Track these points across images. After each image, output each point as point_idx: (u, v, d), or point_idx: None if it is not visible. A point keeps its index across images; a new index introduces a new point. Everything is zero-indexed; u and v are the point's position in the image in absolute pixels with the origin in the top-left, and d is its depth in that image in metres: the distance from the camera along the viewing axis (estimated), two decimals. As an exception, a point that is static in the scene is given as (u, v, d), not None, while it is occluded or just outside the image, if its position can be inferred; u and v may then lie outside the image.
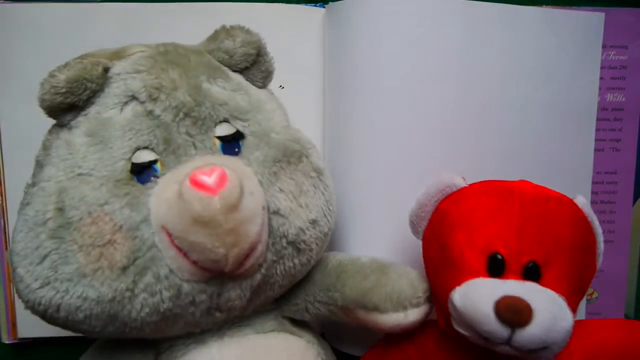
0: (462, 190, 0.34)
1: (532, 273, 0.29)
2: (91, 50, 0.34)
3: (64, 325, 0.30)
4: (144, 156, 0.31)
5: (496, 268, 0.30)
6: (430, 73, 0.43)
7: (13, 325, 0.46)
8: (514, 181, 0.33)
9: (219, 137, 0.32)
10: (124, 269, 0.29)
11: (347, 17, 0.44)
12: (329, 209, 0.35)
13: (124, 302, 0.29)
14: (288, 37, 0.46)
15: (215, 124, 0.33)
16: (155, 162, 0.31)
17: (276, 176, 0.32)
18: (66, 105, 0.31)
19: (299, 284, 0.36)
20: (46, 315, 0.30)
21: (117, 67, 0.32)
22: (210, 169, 0.28)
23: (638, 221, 0.49)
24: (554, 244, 0.30)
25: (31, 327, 0.46)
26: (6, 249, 0.46)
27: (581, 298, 0.32)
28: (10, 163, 0.45)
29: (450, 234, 0.32)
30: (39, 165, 0.32)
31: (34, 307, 0.30)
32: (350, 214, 0.44)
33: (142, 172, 0.30)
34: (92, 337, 0.33)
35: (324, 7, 0.47)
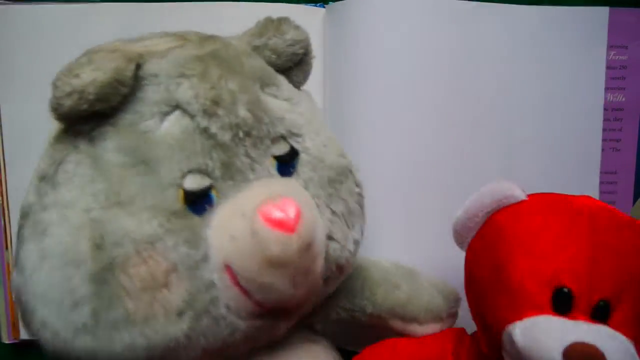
0: (522, 203, 0.30)
1: (602, 312, 0.26)
2: (108, 41, 0.28)
3: None
4: (197, 182, 0.26)
5: (563, 304, 0.26)
6: (430, 73, 0.43)
7: (13, 325, 0.46)
8: (578, 196, 0.29)
9: (276, 157, 0.28)
10: (181, 313, 0.25)
11: (348, 17, 0.44)
12: (365, 222, 0.32)
13: (178, 349, 0.25)
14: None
15: (272, 142, 0.28)
16: (210, 188, 0.26)
17: (331, 198, 0.29)
18: (89, 113, 0.25)
19: None
20: None
21: (152, 66, 0.27)
22: (283, 201, 0.24)
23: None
24: (628, 279, 0.27)
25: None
26: (6, 249, 0.46)
27: None
28: (11, 163, 0.45)
29: (510, 257, 0.28)
30: (49, 183, 0.26)
31: (61, 356, 0.25)
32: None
33: (196, 202, 0.26)
34: None
35: (324, 7, 0.47)
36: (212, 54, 0.28)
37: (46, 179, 0.27)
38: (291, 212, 0.24)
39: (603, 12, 0.46)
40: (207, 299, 0.25)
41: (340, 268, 0.30)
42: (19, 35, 0.45)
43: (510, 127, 0.45)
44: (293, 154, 0.29)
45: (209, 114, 0.26)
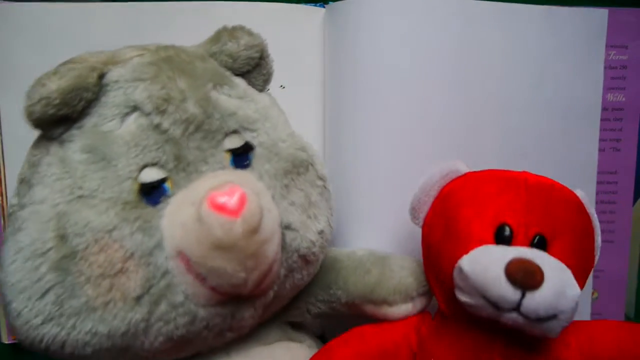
0: (466, 175, 0.34)
1: (539, 245, 0.29)
2: (80, 53, 0.31)
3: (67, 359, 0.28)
4: (153, 174, 0.28)
5: (504, 238, 0.30)
6: (430, 72, 0.43)
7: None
8: (518, 171, 0.33)
9: (229, 150, 0.31)
10: (138, 298, 0.27)
11: (348, 17, 0.44)
12: (332, 215, 0.34)
13: (137, 334, 0.27)
14: (288, 37, 0.46)
15: (225, 136, 0.31)
16: (164, 180, 0.28)
17: (287, 189, 0.31)
18: (58, 118, 0.28)
19: None
20: (48, 351, 0.27)
21: (113, 74, 0.29)
22: (230, 189, 0.26)
23: (638, 221, 0.49)
24: (559, 222, 0.30)
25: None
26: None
27: (582, 285, 0.31)
28: (11, 163, 0.45)
29: (457, 210, 0.32)
30: (26, 184, 0.29)
31: (33, 345, 0.27)
32: (351, 214, 0.44)
33: (150, 193, 0.28)
34: None
35: (324, 7, 0.47)
36: (165, 59, 0.31)
37: (24, 181, 0.30)
38: (235, 198, 0.26)
39: (602, 13, 0.46)
40: (163, 285, 0.27)
41: (303, 258, 0.31)
42: (19, 34, 0.45)
43: (509, 125, 0.45)
44: (247, 147, 0.31)
45: (160, 111, 0.28)
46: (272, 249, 0.28)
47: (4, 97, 0.45)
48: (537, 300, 0.26)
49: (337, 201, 0.46)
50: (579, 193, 0.33)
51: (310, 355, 0.34)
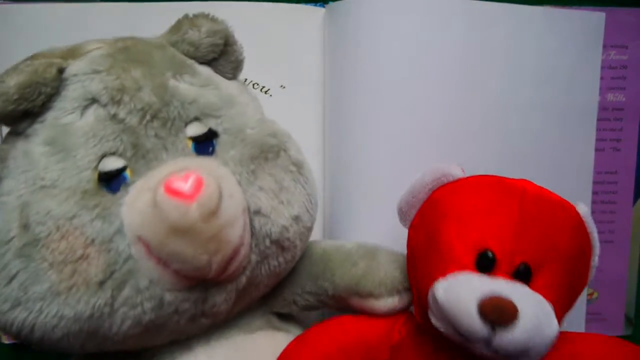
0: (459, 181, 0.32)
1: (522, 275, 0.28)
2: (43, 49, 0.32)
3: (39, 344, 0.29)
4: (112, 163, 0.29)
5: (486, 265, 0.28)
6: (430, 73, 0.43)
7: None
8: (516, 179, 0.31)
9: (191, 138, 0.31)
10: (101, 283, 0.27)
11: (348, 17, 0.44)
12: (310, 202, 0.33)
13: (103, 318, 0.28)
14: (288, 37, 0.46)
15: (186, 124, 0.31)
16: (124, 169, 0.29)
17: (255, 174, 0.31)
18: (19, 113, 0.28)
19: (285, 277, 0.35)
20: (20, 336, 0.28)
21: (72, 68, 0.30)
22: (185, 174, 0.26)
23: (638, 221, 0.49)
24: (550, 249, 0.28)
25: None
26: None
27: (569, 309, 0.30)
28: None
29: (441, 223, 0.30)
30: None
31: (5, 329, 0.28)
32: (351, 214, 0.45)
33: (110, 181, 0.29)
34: (72, 353, 0.32)
35: (324, 6, 0.47)
36: (122, 49, 0.31)
37: None
38: (190, 182, 0.26)
39: (600, 16, 0.47)
40: (125, 270, 0.28)
41: (277, 244, 0.31)
42: (18, 34, 0.45)
43: (508, 126, 0.45)
44: (210, 134, 0.31)
45: (116, 101, 0.29)
46: (235, 233, 0.28)
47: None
48: (508, 339, 0.25)
49: (336, 200, 0.46)
50: (580, 209, 0.31)
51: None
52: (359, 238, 0.43)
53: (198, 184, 0.26)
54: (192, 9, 0.46)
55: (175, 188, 0.26)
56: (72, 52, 0.31)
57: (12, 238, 0.27)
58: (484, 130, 0.45)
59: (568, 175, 0.47)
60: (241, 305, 0.33)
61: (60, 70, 0.29)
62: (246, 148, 0.32)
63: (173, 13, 0.45)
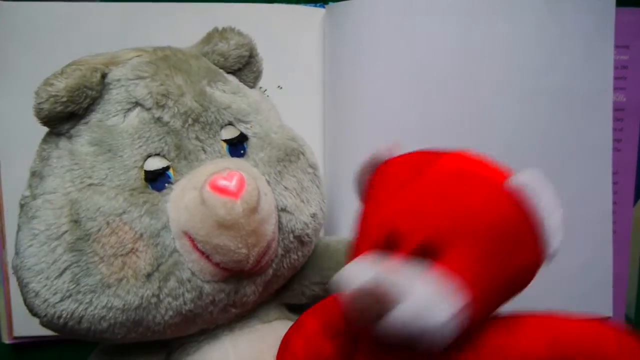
0: (387, 161, 0.31)
1: (425, 253, 0.25)
2: (82, 56, 0.33)
3: (84, 335, 0.30)
4: (156, 163, 0.31)
5: (390, 245, 0.26)
6: (430, 72, 0.43)
7: (12, 325, 0.46)
8: (446, 153, 0.28)
9: (226, 141, 0.33)
10: (149, 275, 0.29)
11: (347, 18, 0.44)
12: (323, 201, 0.37)
13: (149, 308, 0.29)
14: (288, 37, 0.46)
15: (221, 128, 0.33)
16: (167, 168, 0.31)
17: (281, 175, 0.34)
18: (66, 115, 0.30)
19: None
20: (66, 327, 0.29)
21: (115, 73, 0.32)
22: (229, 173, 0.29)
23: (639, 221, 0.49)
24: (459, 225, 0.25)
25: (27, 326, 0.46)
26: (3, 248, 0.46)
27: (503, 294, 0.27)
28: (7, 163, 0.45)
29: (363, 209, 0.30)
30: (38, 176, 0.32)
31: (52, 321, 0.29)
32: (351, 213, 0.45)
33: (156, 180, 0.31)
34: (112, 343, 0.33)
35: (324, 7, 0.47)
36: (162, 58, 0.33)
37: (36, 174, 0.32)
38: (235, 180, 0.28)
39: (610, 4, 0.45)
40: (171, 263, 0.30)
41: (299, 239, 0.34)
42: (17, 33, 0.45)
43: (518, 117, 0.45)
44: (242, 138, 0.34)
45: (160, 105, 0.31)
46: (270, 228, 0.31)
47: (1, 96, 0.45)
48: (388, 326, 0.24)
49: (336, 201, 0.46)
50: (515, 180, 0.26)
51: None
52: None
53: (241, 182, 0.28)
54: (192, 10, 0.46)
55: (221, 186, 0.28)
56: (112, 59, 0.33)
57: (64, 233, 0.29)
58: (489, 125, 0.44)
59: (585, 161, 0.46)
60: (263, 297, 0.35)
61: (103, 76, 0.31)
62: (273, 151, 0.34)
63: (173, 14, 0.46)
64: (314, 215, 0.35)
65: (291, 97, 0.46)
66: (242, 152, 0.34)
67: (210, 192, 0.28)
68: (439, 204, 0.26)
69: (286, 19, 0.46)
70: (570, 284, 0.46)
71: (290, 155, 0.35)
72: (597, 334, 0.26)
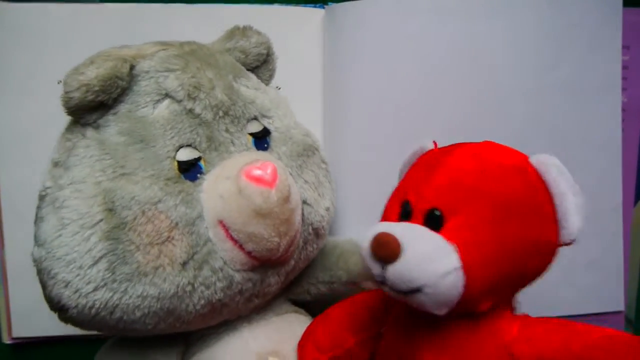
0: (427, 151, 0.33)
1: (433, 221, 0.27)
2: (103, 49, 0.33)
3: (112, 327, 0.30)
4: (188, 154, 0.31)
5: (405, 215, 0.29)
6: (431, 71, 0.43)
7: (11, 325, 0.46)
8: (476, 144, 0.30)
9: (251, 134, 0.34)
10: (184, 264, 0.29)
11: (347, 18, 0.44)
12: (334, 196, 0.38)
13: (183, 297, 0.30)
14: (288, 38, 0.46)
15: (247, 122, 0.34)
16: (199, 159, 0.31)
17: (301, 169, 0.35)
18: (95, 104, 0.30)
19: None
20: (95, 318, 0.29)
21: (143, 65, 0.32)
22: (262, 164, 0.29)
23: (639, 221, 0.49)
24: (464, 194, 0.27)
25: (26, 327, 0.46)
26: (3, 248, 0.46)
27: (512, 269, 0.27)
28: (4, 164, 0.45)
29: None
30: (62, 166, 0.31)
31: (82, 312, 0.29)
32: (350, 214, 0.45)
33: (188, 170, 0.31)
34: (138, 335, 0.32)
35: (323, 7, 0.47)
36: (190, 52, 0.33)
37: (59, 165, 0.31)
38: (269, 170, 0.29)
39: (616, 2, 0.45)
40: (205, 251, 0.30)
41: (315, 231, 0.35)
42: (17, 34, 0.45)
43: (524, 111, 0.45)
44: (266, 132, 0.35)
45: (192, 97, 0.31)
46: (298, 218, 0.32)
47: (1, 96, 0.45)
48: (393, 272, 0.26)
49: (336, 201, 0.46)
50: (534, 160, 0.28)
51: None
52: (357, 235, 0.43)
53: (275, 173, 0.29)
54: (192, 11, 0.46)
55: (257, 175, 0.29)
56: (138, 52, 0.33)
57: (99, 222, 0.29)
58: (494, 122, 0.44)
59: (595, 155, 0.46)
60: (281, 288, 0.36)
61: (131, 67, 0.31)
62: (293, 146, 0.35)
63: (172, 15, 0.46)
64: (327, 209, 0.36)
65: (291, 97, 0.45)
66: (265, 145, 0.34)
67: (247, 181, 0.29)
68: (448, 178, 0.28)
69: (286, 19, 0.46)
70: (581, 278, 0.47)
71: (307, 150, 0.36)
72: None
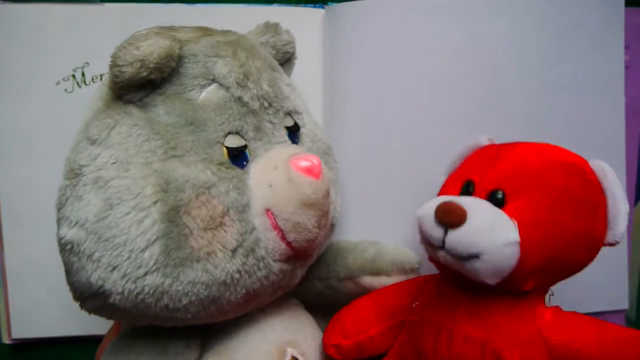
0: (486, 145, 0.35)
1: (495, 200, 0.30)
2: (144, 29, 0.32)
3: (151, 316, 0.29)
4: (235, 141, 0.31)
5: (466, 191, 0.31)
6: (432, 70, 0.43)
7: (10, 325, 0.46)
8: (537, 143, 0.32)
9: (287, 128, 0.34)
10: (234, 251, 0.29)
11: (347, 18, 0.44)
12: (339, 196, 0.39)
13: (230, 285, 0.29)
14: (288, 38, 0.46)
15: (284, 115, 0.34)
16: (245, 147, 0.31)
17: (326, 166, 0.35)
18: (145, 81, 0.29)
19: None
20: (139, 305, 0.28)
21: (190, 48, 0.31)
22: (306, 156, 0.30)
23: (639, 221, 0.49)
24: (528, 180, 0.30)
25: (25, 328, 0.46)
26: (2, 249, 0.46)
27: (560, 255, 0.29)
28: (5, 163, 0.45)
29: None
30: (101, 144, 0.29)
31: (128, 298, 0.28)
32: (350, 214, 0.45)
33: (237, 157, 0.31)
34: (173, 325, 0.31)
35: (323, 8, 0.47)
36: (236, 41, 0.33)
37: (97, 142, 0.30)
38: (316, 162, 0.30)
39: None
40: (252, 240, 0.30)
41: (332, 226, 0.36)
42: (17, 34, 0.45)
43: (522, 117, 0.44)
44: (297, 127, 0.35)
45: (241, 85, 0.31)
46: (332, 211, 0.33)
47: (1, 96, 0.45)
48: (456, 237, 0.28)
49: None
50: (594, 164, 0.31)
51: (314, 322, 0.39)
52: (357, 235, 0.44)
53: (320, 165, 0.30)
54: (192, 11, 0.46)
55: (306, 166, 0.29)
56: (180, 35, 0.32)
57: (155, 203, 0.28)
58: (497, 122, 0.44)
59: (598, 154, 0.45)
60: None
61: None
62: (318, 143, 0.36)
63: (173, 15, 0.46)
64: (338, 207, 0.37)
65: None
66: (296, 140, 0.35)
67: (296, 172, 0.29)
68: (513, 165, 0.30)
69: (286, 19, 0.45)
70: (585, 277, 0.46)
71: (326, 149, 0.37)
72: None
